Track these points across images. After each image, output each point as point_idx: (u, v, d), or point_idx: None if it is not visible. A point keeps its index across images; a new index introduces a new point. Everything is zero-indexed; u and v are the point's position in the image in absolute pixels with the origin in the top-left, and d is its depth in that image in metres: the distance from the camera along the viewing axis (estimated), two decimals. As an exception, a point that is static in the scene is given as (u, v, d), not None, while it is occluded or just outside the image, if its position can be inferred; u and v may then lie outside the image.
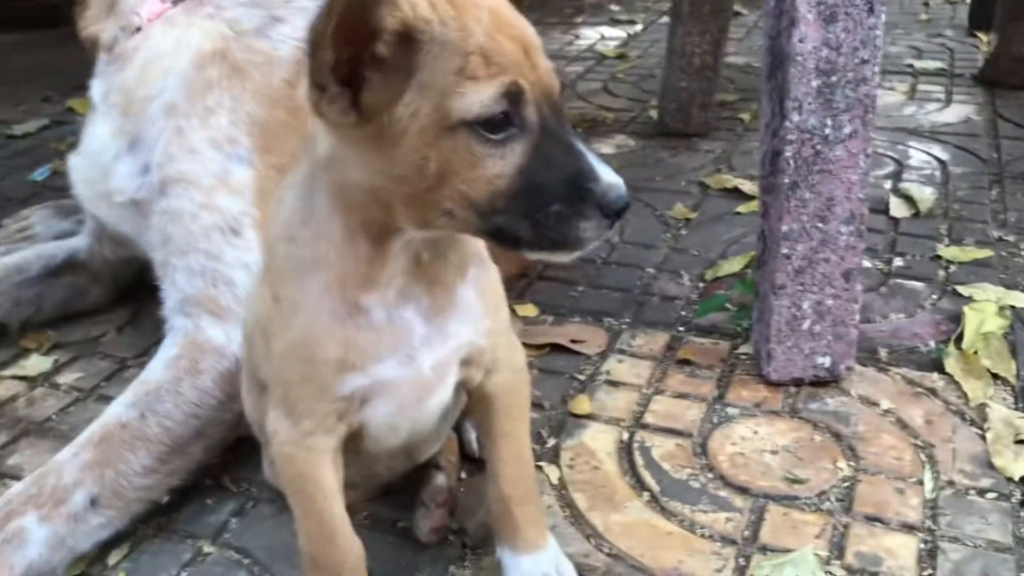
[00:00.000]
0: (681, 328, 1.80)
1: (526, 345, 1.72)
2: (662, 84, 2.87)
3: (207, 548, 1.31)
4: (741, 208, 2.31)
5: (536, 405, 1.58)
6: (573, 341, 1.76)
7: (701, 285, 1.97)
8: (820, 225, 1.52)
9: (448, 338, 1.05)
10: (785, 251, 1.54)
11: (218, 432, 1.36)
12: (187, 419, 1.32)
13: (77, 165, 1.71)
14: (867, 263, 2.00)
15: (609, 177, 0.90)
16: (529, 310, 1.89)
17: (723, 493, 1.35)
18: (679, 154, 2.73)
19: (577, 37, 4.33)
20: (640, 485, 1.38)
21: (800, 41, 1.46)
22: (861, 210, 1.52)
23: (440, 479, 1.29)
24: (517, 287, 1.99)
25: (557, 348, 1.75)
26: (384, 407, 1.07)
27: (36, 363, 1.76)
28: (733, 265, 2.00)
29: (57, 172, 2.82)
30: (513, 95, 0.87)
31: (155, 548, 1.31)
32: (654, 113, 3.02)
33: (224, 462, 1.47)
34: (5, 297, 1.81)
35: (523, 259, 1.99)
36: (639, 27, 4.48)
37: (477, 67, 0.85)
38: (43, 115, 3.46)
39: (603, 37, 4.32)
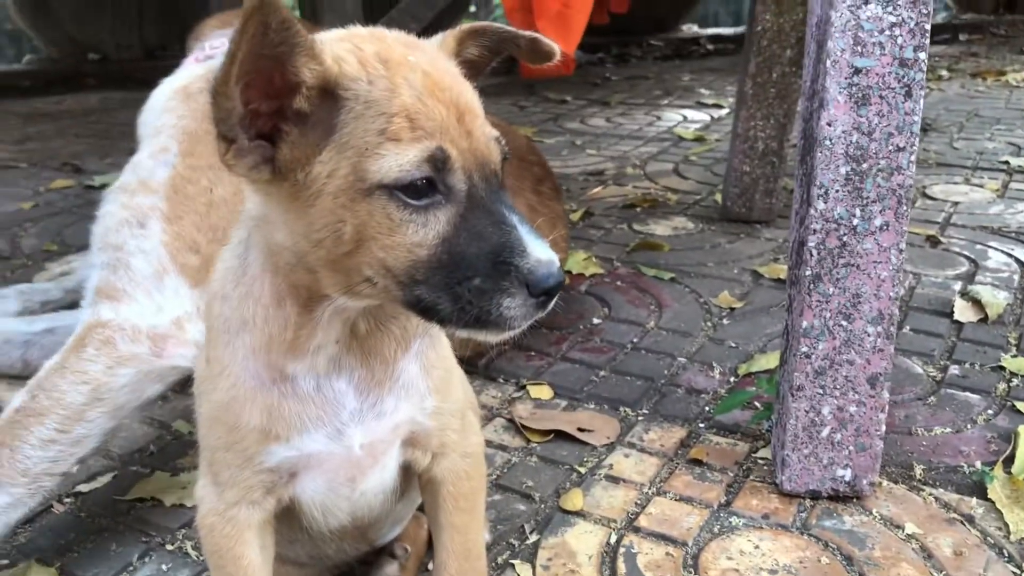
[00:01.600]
0: (701, 424, 1.67)
1: (529, 430, 1.65)
2: (726, 168, 2.77)
3: (148, 619, 1.24)
4: (791, 301, 2.16)
5: (526, 496, 1.48)
6: (580, 430, 1.65)
7: (732, 380, 1.83)
8: (844, 323, 1.39)
9: (383, 415, 0.97)
10: (804, 349, 1.41)
11: (119, 397, 1.34)
12: (75, 386, 1.32)
13: None
14: (918, 369, 1.83)
15: (539, 253, 0.82)
16: (544, 392, 1.80)
17: (705, 614, 1.21)
18: (737, 240, 2.60)
19: (659, 118, 4.27)
20: (616, 595, 1.25)
21: (828, 124, 1.36)
22: (891, 310, 1.38)
23: (390, 569, 1.20)
24: (534, 367, 1.90)
25: (562, 436, 1.64)
26: (313, 484, 0.99)
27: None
28: (770, 360, 1.87)
29: (120, 223, 2.88)
30: (438, 161, 0.80)
31: (97, 613, 1.26)
32: (719, 197, 2.91)
33: (190, 526, 1.42)
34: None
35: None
36: (724, 111, 4.40)
37: (401, 129, 0.79)
38: (124, 168, 3.58)
39: (685, 119, 4.25)
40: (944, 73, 5.49)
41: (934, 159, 3.41)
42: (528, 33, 0.95)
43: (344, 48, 0.81)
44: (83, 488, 1.53)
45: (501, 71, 5.56)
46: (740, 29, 7.80)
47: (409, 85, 0.81)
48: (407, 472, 1.08)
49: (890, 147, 1.35)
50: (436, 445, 1.03)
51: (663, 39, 7.12)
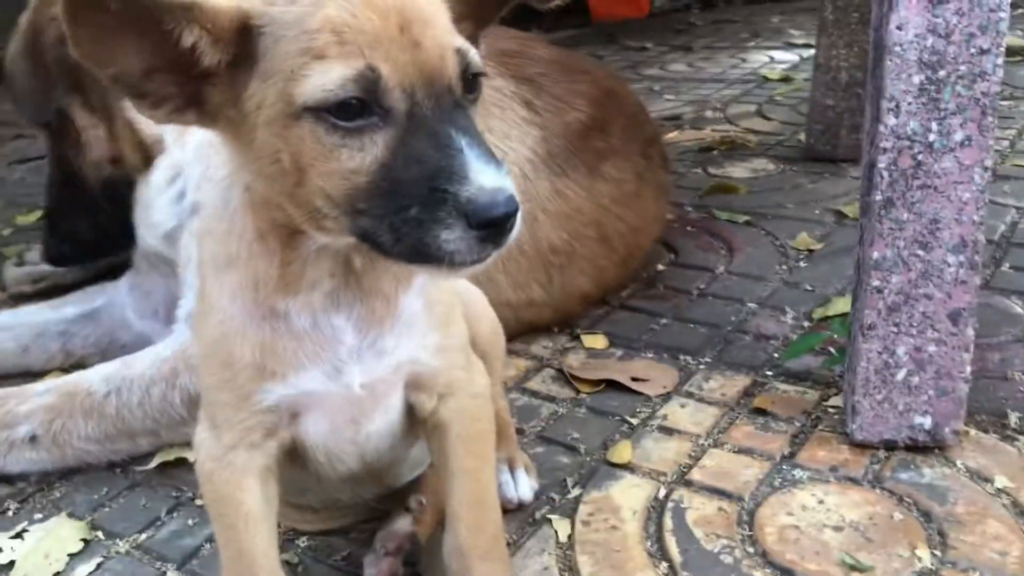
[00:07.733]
0: (768, 372, 1.54)
1: (579, 380, 1.54)
2: (809, 104, 2.58)
3: (171, 573, 1.20)
4: (877, 240, 1.98)
5: (571, 449, 1.38)
6: (635, 379, 1.54)
7: (806, 325, 1.69)
8: (920, 253, 1.24)
9: (383, 354, 0.90)
10: (876, 283, 1.26)
11: (173, 437, 1.41)
12: (144, 418, 1.38)
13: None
14: (1017, 309, 1.65)
15: (484, 179, 0.72)
16: (598, 341, 1.69)
17: (758, 574, 1.09)
18: (820, 180, 2.42)
19: (744, 61, 4.05)
20: (661, 553, 1.14)
21: (899, 28, 1.20)
22: (975, 236, 1.22)
23: (401, 523, 1.12)
24: (591, 316, 1.79)
25: (615, 386, 1.53)
26: (316, 426, 0.93)
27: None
28: (848, 303, 1.71)
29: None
30: (368, 80, 0.72)
31: (121, 568, 1.22)
32: (804, 136, 2.72)
33: (221, 482, 1.37)
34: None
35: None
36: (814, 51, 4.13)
37: (327, 46, 0.72)
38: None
39: (772, 60, 4.02)
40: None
41: (1046, 88, 3.12)
42: None
43: None
44: (122, 443, 1.51)
45: (578, 22, 5.40)
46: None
47: None
48: (415, 417, 1.00)
49: (972, 50, 1.18)
50: (443, 384, 0.96)
51: (753, -18, 6.79)
